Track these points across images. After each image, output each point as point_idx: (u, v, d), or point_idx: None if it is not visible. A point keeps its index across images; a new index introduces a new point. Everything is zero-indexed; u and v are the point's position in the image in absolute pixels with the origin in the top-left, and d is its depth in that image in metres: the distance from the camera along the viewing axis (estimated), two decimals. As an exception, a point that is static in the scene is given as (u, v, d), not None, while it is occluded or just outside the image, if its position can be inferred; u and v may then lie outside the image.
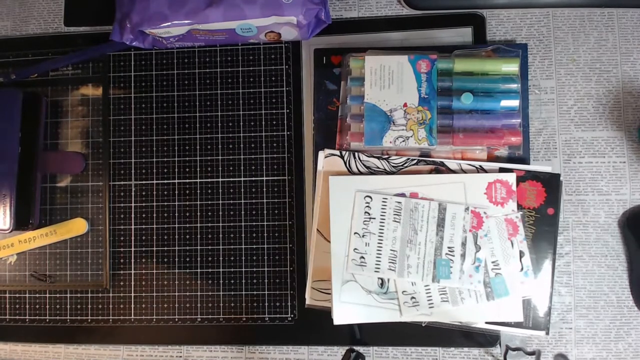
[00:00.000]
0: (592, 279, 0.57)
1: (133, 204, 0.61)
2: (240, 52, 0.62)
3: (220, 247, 0.60)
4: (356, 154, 0.57)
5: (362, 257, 0.55)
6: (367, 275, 0.55)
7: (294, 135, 0.60)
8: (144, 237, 0.61)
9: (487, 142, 0.55)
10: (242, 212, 0.60)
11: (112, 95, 0.63)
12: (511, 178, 0.55)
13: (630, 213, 0.57)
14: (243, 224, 0.60)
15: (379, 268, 0.55)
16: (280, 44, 0.61)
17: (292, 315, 0.59)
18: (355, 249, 0.55)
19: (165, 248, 0.61)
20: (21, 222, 0.60)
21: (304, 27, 0.57)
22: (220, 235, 0.60)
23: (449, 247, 0.54)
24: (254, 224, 0.60)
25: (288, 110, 0.61)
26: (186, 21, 0.55)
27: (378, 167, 0.57)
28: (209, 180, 0.61)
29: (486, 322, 0.55)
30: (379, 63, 0.56)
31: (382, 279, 0.55)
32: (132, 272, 0.61)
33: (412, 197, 0.55)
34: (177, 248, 0.60)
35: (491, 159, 0.57)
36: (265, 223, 0.60)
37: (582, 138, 0.58)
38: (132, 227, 0.61)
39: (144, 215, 0.61)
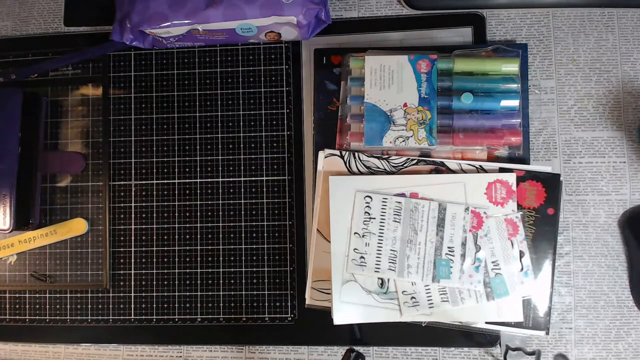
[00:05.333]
0: (592, 279, 0.57)
1: (133, 204, 0.61)
2: (240, 52, 0.62)
3: (220, 247, 0.60)
4: (356, 154, 0.57)
5: (362, 257, 0.55)
6: (367, 275, 0.55)
7: (294, 135, 0.60)
8: (144, 237, 0.61)
9: (487, 142, 0.55)
10: (242, 212, 0.60)
11: (112, 95, 0.63)
12: (511, 178, 0.55)
13: (630, 213, 0.57)
14: (243, 224, 0.60)
15: (379, 268, 0.55)
16: (280, 44, 0.61)
17: (292, 315, 0.59)
18: (355, 249, 0.55)
19: (165, 248, 0.61)
20: (21, 222, 0.60)
21: (304, 27, 0.57)
22: (220, 235, 0.60)
23: (449, 247, 0.54)
24: (254, 224, 0.60)
25: (288, 110, 0.61)
26: (186, 21, 0.55)
27: (378, 167, 0.57)
28: (209, 180, 0.61)
29: (486, 322, 0.55)
30: (379, 63, 0.56)
31: (382, 279, 0.55)
32: (132, 272, 0.61)
33: (412, 197, 0.55)
34: (177, 248, 0.60)
35: (491, 159, 0.57)
36: (265, 223, 0.60)
37: (582, 138, 0.58)
38: (132, 227, 0.61)
39: (144, 215, 0.61)
